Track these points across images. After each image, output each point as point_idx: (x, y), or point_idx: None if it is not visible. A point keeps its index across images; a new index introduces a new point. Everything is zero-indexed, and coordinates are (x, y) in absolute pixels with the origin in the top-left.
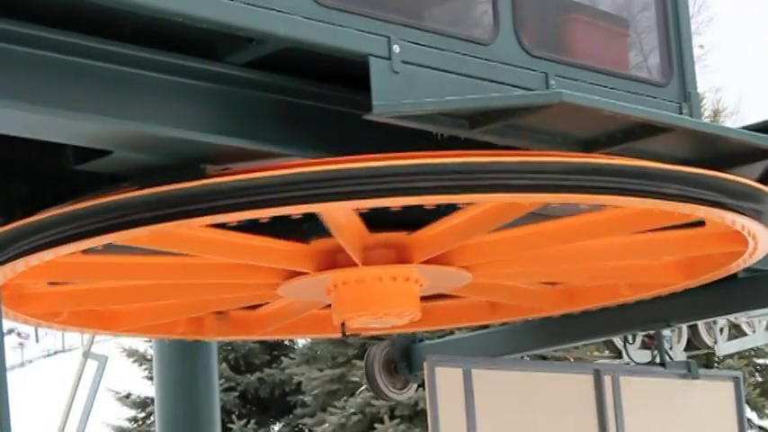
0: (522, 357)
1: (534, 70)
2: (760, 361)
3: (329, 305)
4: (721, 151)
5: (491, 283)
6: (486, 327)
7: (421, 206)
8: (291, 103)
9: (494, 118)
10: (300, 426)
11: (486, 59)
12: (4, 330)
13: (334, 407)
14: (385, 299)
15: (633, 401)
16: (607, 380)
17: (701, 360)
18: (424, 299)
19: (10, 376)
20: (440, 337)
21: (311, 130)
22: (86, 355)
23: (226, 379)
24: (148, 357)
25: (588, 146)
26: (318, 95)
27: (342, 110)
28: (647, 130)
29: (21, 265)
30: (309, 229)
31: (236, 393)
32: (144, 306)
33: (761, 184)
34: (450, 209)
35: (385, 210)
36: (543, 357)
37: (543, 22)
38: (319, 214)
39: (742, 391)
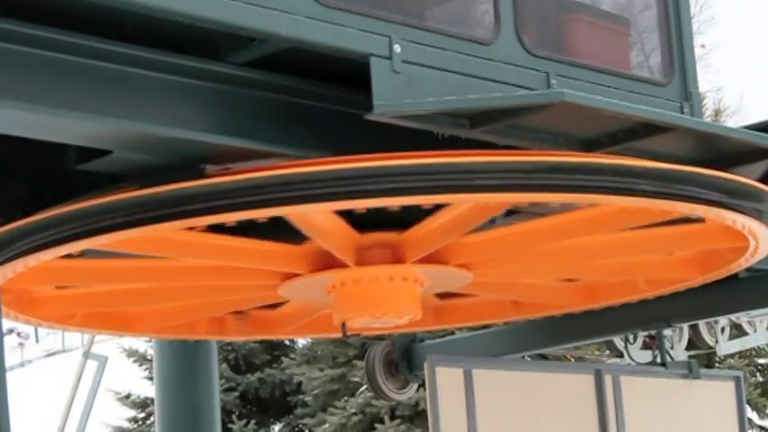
0: (523, 357)
1: (535, 70)
2: (761, 361)
3: None
4: (722, 151)
5: (505, 281)
6: (487, 326)
7: (414, 205)
8: (292, 102)
9: (495, 118)
10: (301, 426)
11: (487, 59)
12: (4, 330)
13: (335, 407)
14: (385, 299)
15: (634, 401)
16: (608, 380)
17: (702, 360)
18: (441, 296)
19: (10, 376)
20: (440, 336)
21: (312, 130)
22: (86, 355)
23: (226, 379)
24: (148, 357)
25: (589, 145)
26: (319, 95)
27: (343, 110)
28: (648, 129)
29: (20, 265)
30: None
31: (237, 393)
32: (162, 307)
33: (762, 183)
34: (438, 206)
35: (375, 210)
36: (544, 357)
37: (544, 22)
38: (289, 218)
39: (743, 391)
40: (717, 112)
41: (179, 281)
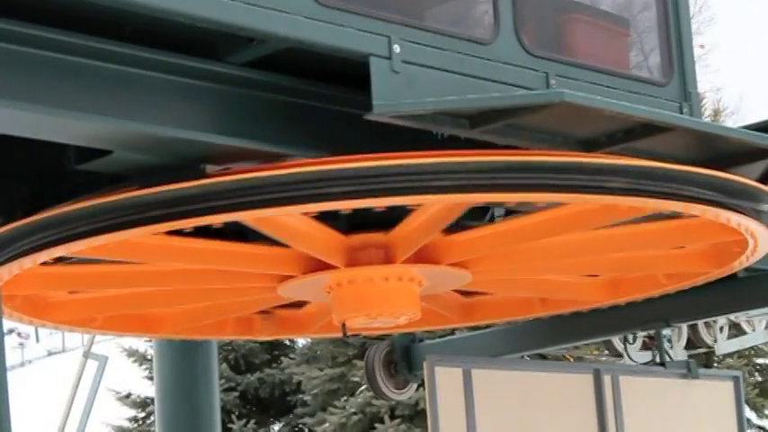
0: (522, 357)
1: (535, 70)
2: (759, 360)
3: None
4: (721, 151)
5: (522, 278)
6: (487, 327)
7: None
8: (292, 102)
9: (494, 118)
10: (300, 425)
11: (486, 59)
12: (5, 330)
13: (335, 406)
14: (381, 299)
15: (633, 401)
16: (607, 379)
17: (701, 359)
18: (465, 294)
19: (10, 376)
20: (440, 336)
21: (312, 130)
22: (87, 355)
23: (226, 379)
24: (148, 357)
25: (588, 145)
26: (319, 95)
27: (342, 110)
28: (647, 129)
29: (20, 265)
30: None
31: (237, 393)
32: (185, 308)
33: (761, 183)
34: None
35: (360, 211)
36: (543, 357)
37: (544, 22)
38: (266, 231)
39: (741, 391)
40: (716, 113)
41: (186, 284)
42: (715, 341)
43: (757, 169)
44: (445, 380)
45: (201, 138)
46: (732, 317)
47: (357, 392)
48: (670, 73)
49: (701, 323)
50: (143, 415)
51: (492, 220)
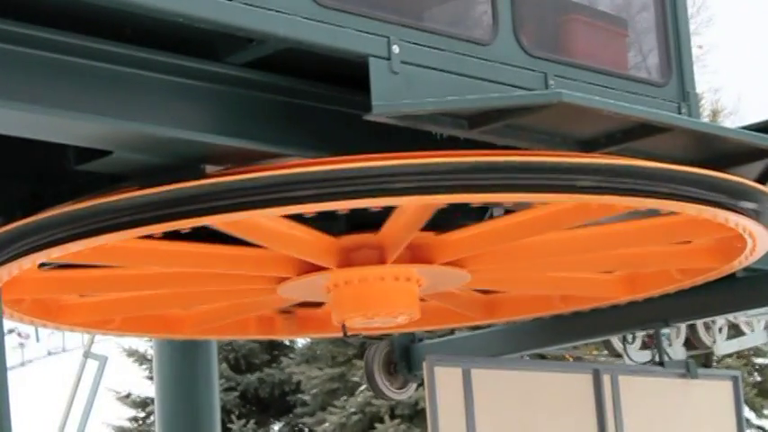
0: (522, 357)
1: (533, 70)
2: (759, 360)
3: None
4: (720, 151)
5: (540, 276)
6: (487, 326)
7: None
8: (291, 103)
9: (493, 118)
10: (300, 425)
11: (485, 59)
12: (5, 330)
13: (334, 406)
14: (377, 299)
15: (632, 401)
16: (606, 379)
17: (700, 359)
18: (484, 292)
19: (10, 376)
20: (439, 336)
21: (311, 131)
22: (87, 354)
23: (226, 379)
24: (148, 357)
25: (587, 146)
26: (318, 96)
27: (341, 110)
28: (646, 129)
29: (20, 265)
30: None
31: (237, 393)
32: (204, 309)
33: (759, 183)
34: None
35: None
36: (542, 357)
37: (542, 23)
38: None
39: (740, 391)
40: (714, 113)
41: (188, 287)
42: (714, 342)
43: (755, 169)
44: (445, 379)
45: (201, 138)
46: (731, 317)
47: (357, 392)
48: (668, 73)
49: (700, 324)
50: (143, 415)
51: (491, 218)
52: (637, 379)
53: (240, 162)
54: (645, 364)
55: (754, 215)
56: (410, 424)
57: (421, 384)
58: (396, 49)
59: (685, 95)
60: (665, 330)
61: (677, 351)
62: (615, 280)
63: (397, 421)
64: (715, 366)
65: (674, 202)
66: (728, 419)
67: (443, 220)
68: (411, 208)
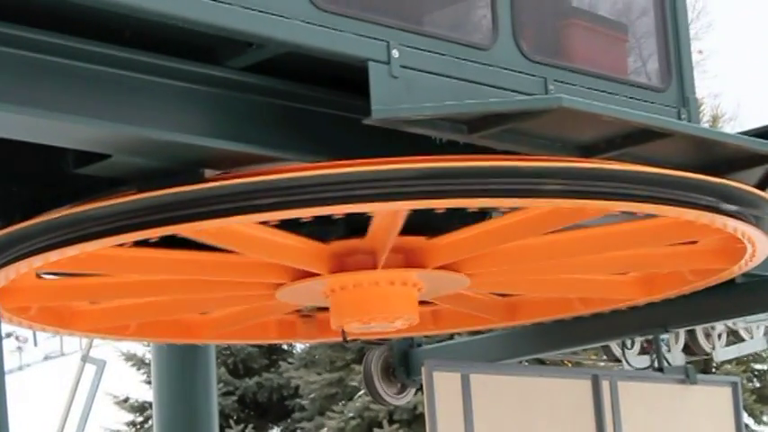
0: (521, 362)
1: (533, 75)
2: (758, 366)
3: None
4: (719, 156)
5: (546, 278)
6: (486, 331)
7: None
8: (290, 107)
9: (492, 123)
10: (299, 430)
11: (485, 64)
12: (3, 334)
13: (333, 411)
14: (376, 304)
15: (631, 406)
16: (605, 385)
17: (699, 365)
18: (503, 295)
19: (8, 380)
20: (438, 341)
21: (310, 135)
22: (85, 359)
23: (224, 383)
24: (146, 361)
25: (587, 151)
26: (317, 100)
27: (341, 114)
28: (645, 135)
29: (20, 268)
30: None
31: (235, 397)
32: (221, 313)
33: (759, 189)
34: None
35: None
36: (541, 362)
37: (542, 27)
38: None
39: (740, 397)
40: (714, 118)
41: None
42: (713, 348)
43: (755, 175)
44: (443, 385)
45: (200, 142)
46: (730, 323)
47: (355, 397)
48: (668, 78)
49: (699, 330)
50: (141, 419)
51: (490, 216)
52: (636, 385)
53: (239, 166)
54: (644, 369)
55: (754, 221)
56: (409, 429)
57: (420, 389)
58: (395, 53)
59: (685, 101)
60: (664, 336)
61: (676, 357)
62: (632, 282)
63: (395, 426)
64: (714, 372)
65: (675, 208)
66: (727, 425)
67: (437, 223)
68: (382, 212)
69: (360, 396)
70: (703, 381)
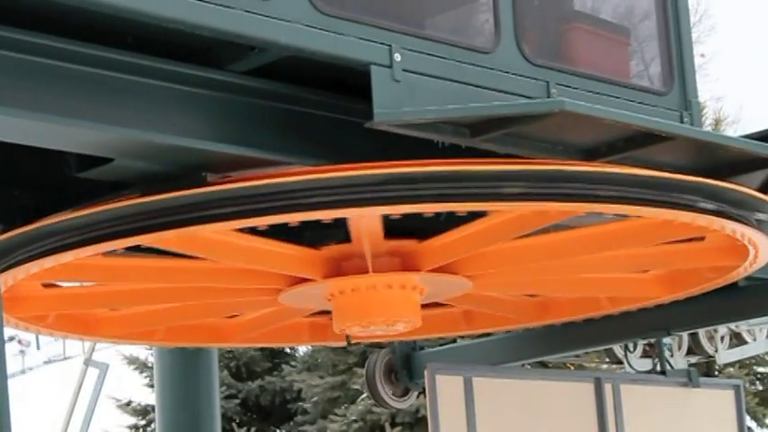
0: (523, 365)
1: (535, 79)
2: (760, 369)
3: None
4: (722, 160)
5: (571, 278)
6: (489, 335)
7: None
8: (293, 111)
9: (495, 126)
10: None
11: (487, 68)
12: (5, 338)
13: (335, 414)
14: (375, 307)
15: (634, 410)
16: (608, 388)
17: (702, 368)
18: (532, 295)
19: (11, 384)
20: (441, 344)
21: (312, 139)
22: (87, 362)
23: (227, 386)
24: (149, 365)
25: (589, 154)
26: (320, 103)
27: (343, 118)
28: (647, 138)
29: (21, 272)
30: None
31: (237, 401)
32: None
33: (761, 193)
34: None
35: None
36: (544, 365)
37: (544, 31)
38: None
39: (742, 400)
40: (717, 122)
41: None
42: (716, 351)
43: (757, 178)
44: (446, 388)
45: (202, 146)
46: (733, 326)
47: (358, 400)
48: (670, 82)
49: (701, 333)
50: (144, 422)
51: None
52: (638, 388)
53: (241, 169)
54: (647, 372)
55: (756, 224)
56: None
57: (422, 393)
58: (398, 57)
59: (687, 104)
60: (667, 341)
61: (678, 362)
62: (655, 280)
63: (397, 429)
64: (717, 375)
65: (679, 212)
66: (730, 428)
67: (429, 226)
68: (354, 218)
69: (362, 399)
70: (706, 384)
